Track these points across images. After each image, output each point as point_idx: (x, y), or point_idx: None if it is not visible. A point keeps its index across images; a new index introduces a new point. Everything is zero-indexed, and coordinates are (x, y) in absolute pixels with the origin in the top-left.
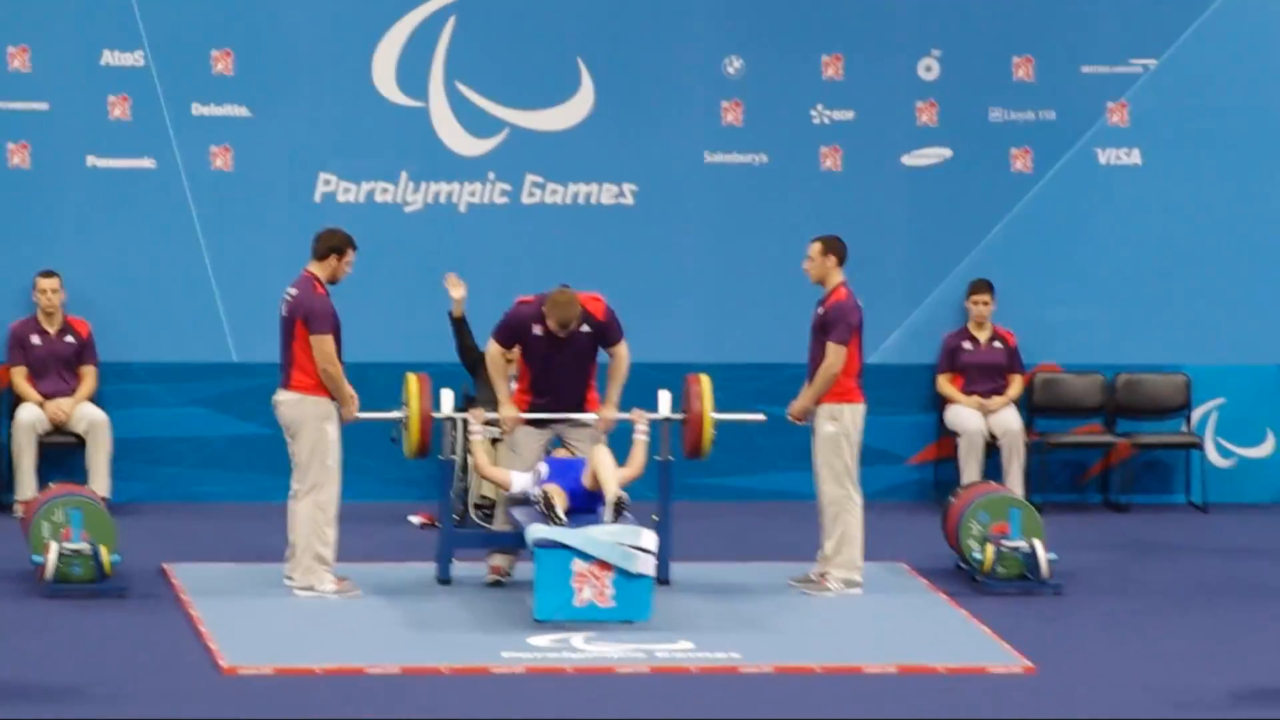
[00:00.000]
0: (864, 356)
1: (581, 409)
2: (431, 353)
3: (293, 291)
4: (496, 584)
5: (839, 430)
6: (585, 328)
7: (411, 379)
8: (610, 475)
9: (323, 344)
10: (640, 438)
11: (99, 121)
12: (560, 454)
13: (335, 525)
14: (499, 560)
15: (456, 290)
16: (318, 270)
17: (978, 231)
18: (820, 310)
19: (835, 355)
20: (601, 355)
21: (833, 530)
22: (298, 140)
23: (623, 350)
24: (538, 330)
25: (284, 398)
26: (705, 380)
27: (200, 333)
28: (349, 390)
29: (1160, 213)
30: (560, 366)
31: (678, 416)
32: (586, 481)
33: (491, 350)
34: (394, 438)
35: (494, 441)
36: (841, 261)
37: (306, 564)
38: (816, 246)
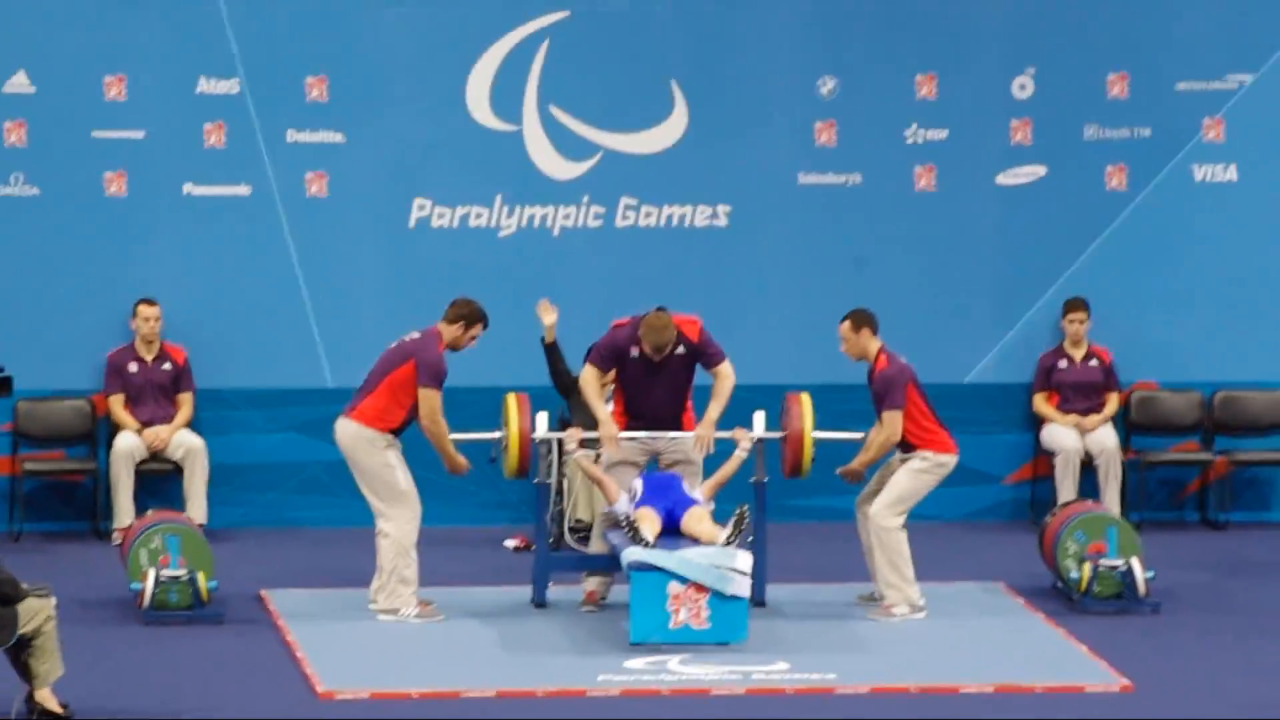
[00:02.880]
0: (955, 379)
1: (678, 430)
2: (526, 377)
3: (415, 335)
4: (591, 611)
5: (929, 468)
6: (680, 349)
7: (511, 399)
8: (710, 532)
9: (431, 399)
10: (741, 454)
11: (195, 149)
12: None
13: (416, 548)
14: (593, 585)
15: (548, 317)
16: (444, 330)
17: (1073, 250)
18: (870, 384)
19: (891, 423)
20: (704, 376)
21: (881, 556)
22: (392, 165)
23: (726, 370)
24: (634, 353)
25: (342, 425)
26: (806, 399)
27: (296, 358)
28: (451, 447)
29: (1257, 229)
30: (656, 388)
31: (775, 435)
32: (685, 529)
33: (587, 374)
34: (493, 458)
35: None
36: (875, 330)
37: (391, 588)
38: (845, 326)
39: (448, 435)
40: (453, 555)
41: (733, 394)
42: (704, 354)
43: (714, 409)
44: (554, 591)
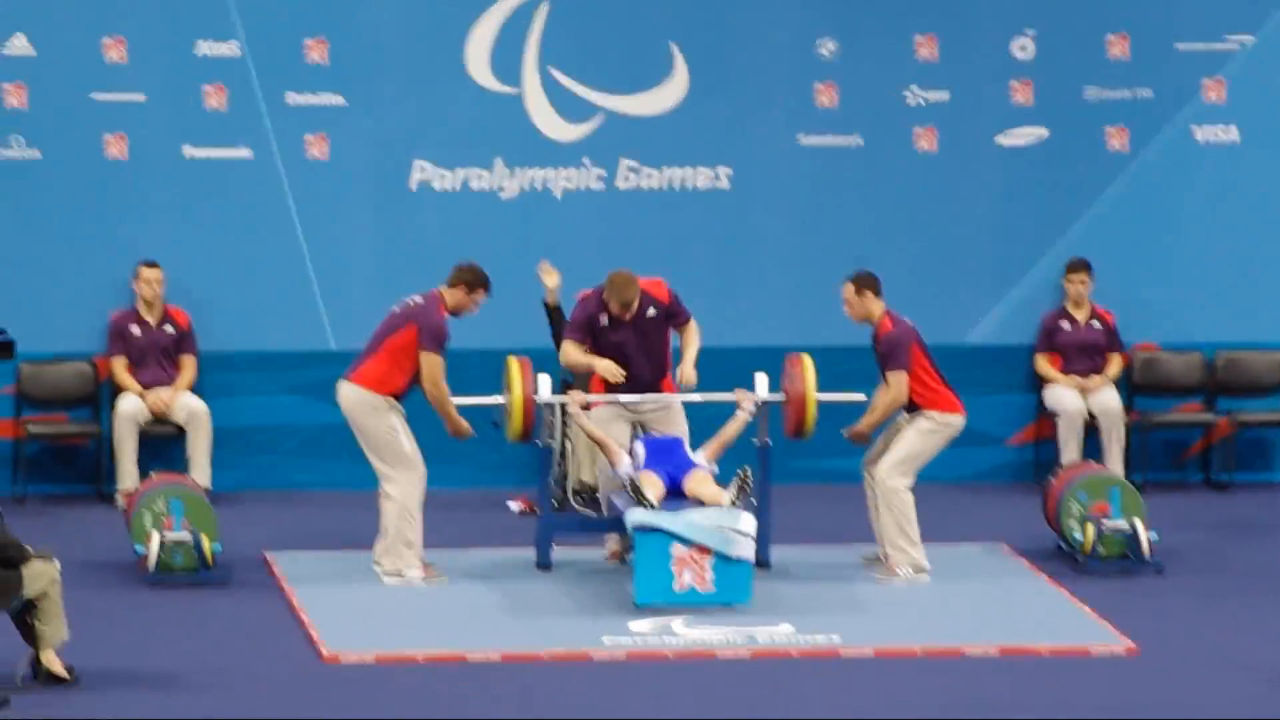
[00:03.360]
0: (957, 340)
1: (658, 393)
2: (528, 339)
3: (418, 299)
4: (620, 566)
5: (936, 428)
6: (652, 311)
7: (513, 363)
8: (713, 494)
9: (433, 363)
10: (743, 415)
11: (195, 112)
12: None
13: (421, 511)
14: (617, 544)
15: (550, 278)
16: (446, 294)
17: (1074, 211)
18: (875, 346)
19: (896, 383)
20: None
21: (888, 517)
22: (392, 128)
23: (693, 324)
24: (604, 320)
25: (344, 389)
26: (808, 360)
27: (298, 321)
28: (454, 411)
29: (1259, 189)
30: (633, 352)
31: (777, 398)
32: (688, 491)
33: (567, 346)
34: (496, 422)
35: None
36: (878, 292)
37: (395, 550)
38: (849, 288)
39: (450, 399)
40: (456, 517)
41: (727, 356)
42: (677, 313)
43: (690, 352)
44: (558, 553)
